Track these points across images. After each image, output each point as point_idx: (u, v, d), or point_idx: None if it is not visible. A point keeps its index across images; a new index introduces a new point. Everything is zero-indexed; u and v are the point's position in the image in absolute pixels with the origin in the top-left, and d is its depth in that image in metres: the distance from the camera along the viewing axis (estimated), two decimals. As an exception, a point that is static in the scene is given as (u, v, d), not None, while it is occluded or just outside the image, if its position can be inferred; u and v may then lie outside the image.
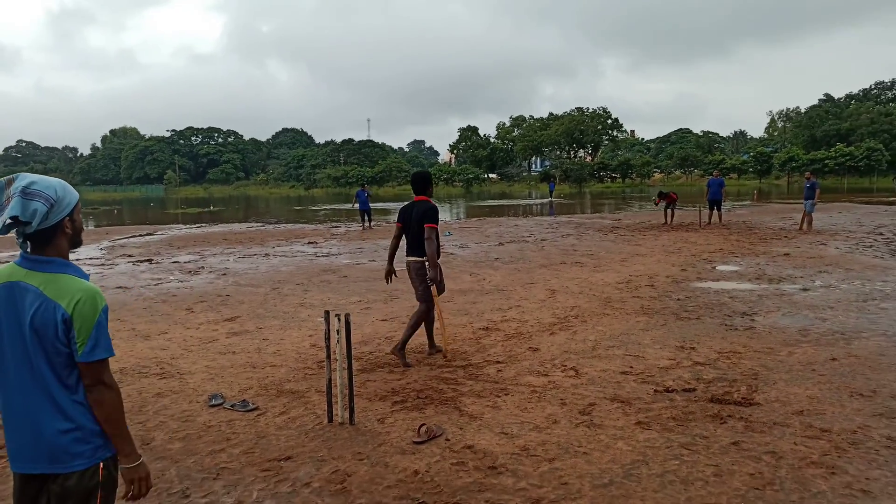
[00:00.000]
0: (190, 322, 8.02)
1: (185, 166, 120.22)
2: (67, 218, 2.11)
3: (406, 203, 6.34)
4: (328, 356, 4.63)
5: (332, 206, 46.18)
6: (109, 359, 2.12)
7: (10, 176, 2.07)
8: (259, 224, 27.90)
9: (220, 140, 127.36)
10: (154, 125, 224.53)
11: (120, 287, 10.79)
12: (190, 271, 12.69)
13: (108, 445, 2.16)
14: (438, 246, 6.01)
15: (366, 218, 22.78)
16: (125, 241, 20.03)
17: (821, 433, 4.20)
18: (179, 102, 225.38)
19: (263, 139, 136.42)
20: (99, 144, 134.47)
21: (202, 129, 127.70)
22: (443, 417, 4.64)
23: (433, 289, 6.05)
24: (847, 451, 3.93)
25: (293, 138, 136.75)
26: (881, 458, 3.83)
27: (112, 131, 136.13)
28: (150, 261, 14.48)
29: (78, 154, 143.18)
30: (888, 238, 15.63)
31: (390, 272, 6.36)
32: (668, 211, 21.24)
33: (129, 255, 15.62)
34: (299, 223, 28.27)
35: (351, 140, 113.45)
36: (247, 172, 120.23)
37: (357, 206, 22.95)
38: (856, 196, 40.41)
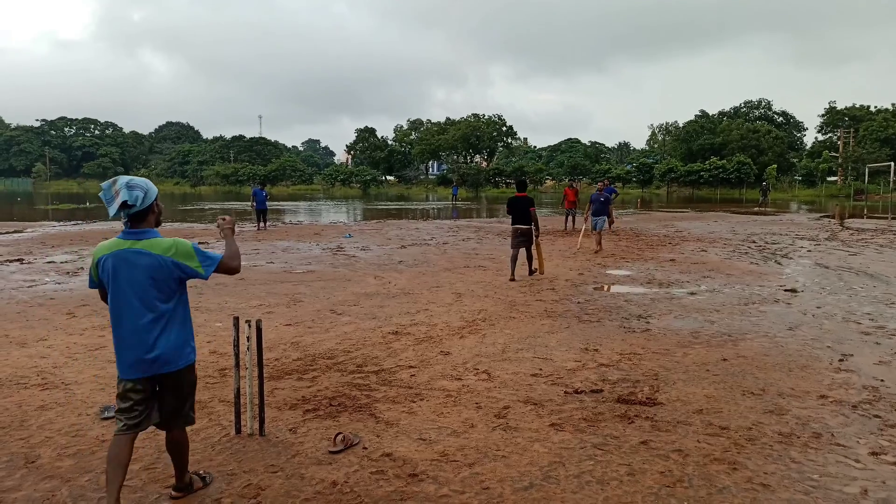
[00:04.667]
0: (72, 328, 7.40)
1: (57, 159, 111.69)
2: (155, 202, 3.24)
3: (511, 196, 11.18)
4: (237, 364, 4.39)
5: (222, 205, 44.37)
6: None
7: (113, 178, 3.18)
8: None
9: (96, 132, 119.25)
10: (20, 114, 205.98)
11: (-13, 289, 9.81)
12: (68, 272, 11.75)
13: (195, 351, 3.36)
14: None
15: (262, 218, 22.01)
16: (-10, 238, 18.28)
17: (720, 430, 4.45)
18: (48, 91, 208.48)
19: (146, 132, 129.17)
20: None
21: (77, 119, 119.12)
22: (358, 425, 4.52)
23: (536, 241, 11.11)
24: (745, 447, 4.18)
25: (178, 132, 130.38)
26: (776, 452, 4.10)
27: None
28: (20, 260, 13.29)
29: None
30: (760, 245, 16.95)
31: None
32: (570, 217, 21.68)
33: (-4, 254, 14.26)
34: (187, 222, 26.94)
35: (242, 136, 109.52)
36: (126, 167, 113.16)
37: (254, 205, 22.11)
38: (727, 206, 43.64)
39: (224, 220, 3.59)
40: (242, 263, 12.85)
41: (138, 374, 3.16)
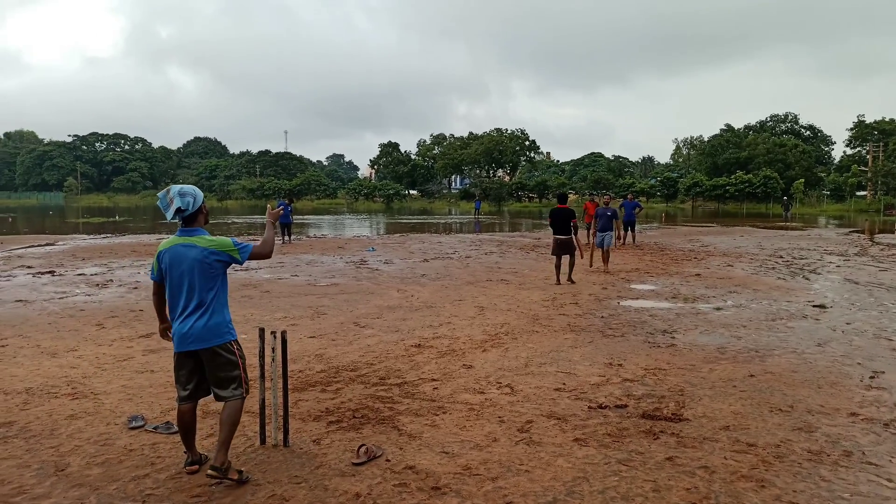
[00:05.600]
0: (102, 339, 7.53)
1: (88, 174, 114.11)
2: (202, 205, 3.93)
3: (553, 208, 12.15)
4: (262, 375, 4.43)
5: (248, 219, 44.89)
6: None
7: (166, 188, 3.87)
8: (171, 235, 26.69)
9: (126, 147, 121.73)
10: (54, 130, 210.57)
11: (20, 301, 10.03)
12: (97, 284, 11.97)
13: (233, 332, 3.94)
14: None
15: (286, 232, 22.22)
16: (22, 251, 18.70)
17: (748, 447, 4.38)
18: (79, 107, 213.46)
19: (174, 147, 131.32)
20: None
21: (107, 135, 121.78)
22: (381, 437, 4.53)
23: (579, 246, 12.09)
24: (773, 464, 4.11)
25: (206, 148, 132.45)
26: (805, 470, 4.03)
27: (7, 134, 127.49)
28: (52, 273, 13.56)
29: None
30: (788, 261, 16.70)
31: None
32: (591, 231, 21.38)
33: (29, 267, 14.58)
34: (214, 235, 27.22)
35: (268, 151, 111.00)
36: (155, 182, 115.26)
37: (277, 219, 22.28)
38: (753, 221, 43.06)
39: (270, 207, 4.40)
40: (266, 277, 13.13)
41: (183, 347, 3.80)
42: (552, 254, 12.22)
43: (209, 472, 3.74)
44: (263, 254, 4.03)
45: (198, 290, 3.79)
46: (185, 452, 4.05)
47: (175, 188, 3.86)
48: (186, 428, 3.95)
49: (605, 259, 14.42)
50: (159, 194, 3.89)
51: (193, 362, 3.86)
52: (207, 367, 3.85)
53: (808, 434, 4.63)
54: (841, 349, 7.15)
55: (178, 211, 3.79)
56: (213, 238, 3.89)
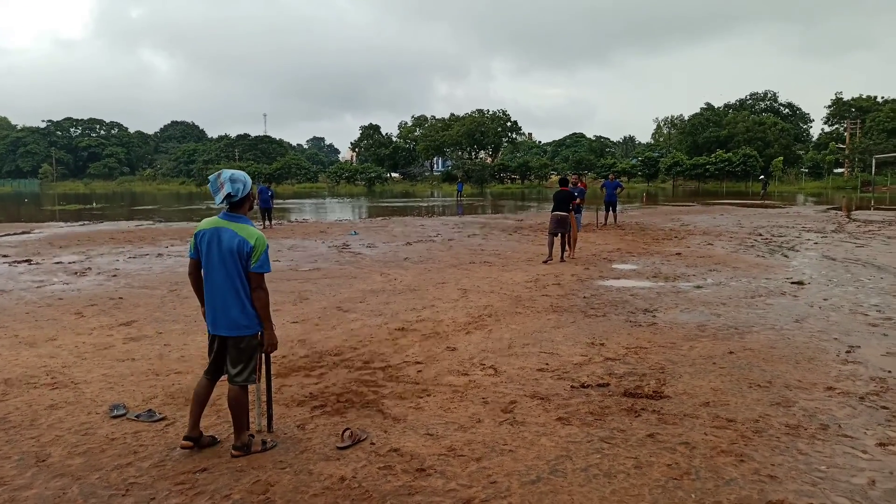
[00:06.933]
0: (81, 327, 7.44)
1: (64, 160, 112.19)
2: (250, 192, 3.96)
3: (556, 191, 13.15)
4: (244, 361, 4.40)
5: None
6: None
7: (218, 171, 3.90)
8: (149, 222, 26.43)
9: (102, 132, 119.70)
10: (26, 115, 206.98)
11: (-4, 290, 9.87)
12: (76, 272, 11.80)
13: (261, 324, 3.95)
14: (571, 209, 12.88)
15: (267, 216, 22.04)
16: (-2, 239, 18.38)
17: (727, 423, 4.45)
18: (53, 91, 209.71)
19: (151, 132, 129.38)
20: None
21: (82, 120, 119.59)
22: (366, 421, 4.54)
23: (574, 227, 13.13)
24: (752, 439, 4.19)
25: (183, 132, 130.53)
26: (782, 444, 4.10)
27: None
28: (28, 261, 13.35)
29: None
30: (767, 238, 16.89)
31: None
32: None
33: (4, 255, 14.34)
34: (193, 221, 27.01)
35: (247, 135, 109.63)
36: (132, 167, 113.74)
37: (258, 203, 22.06)
38: (733, 199, 43.44)
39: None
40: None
41: (213, 330, 3.92)
42: (549, 233, 12.95)
43: (233, 452, 3.97)
44: (259, 297, 3.90)
45: (232, 276, 3.83)
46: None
47: (227, 173, 3.88)
48: (198, 399, 4.02)
49: (573, 244, 13.39)
50: (210, 177, 3.94)
51: (220, 342, 3.97)
52: (229, 351, 3.96)
53: (786, 409, 4.71)
54: (818, 325, 7.27)
55: (228, 196, 3.85)
56: (256, 232, 3.89)
